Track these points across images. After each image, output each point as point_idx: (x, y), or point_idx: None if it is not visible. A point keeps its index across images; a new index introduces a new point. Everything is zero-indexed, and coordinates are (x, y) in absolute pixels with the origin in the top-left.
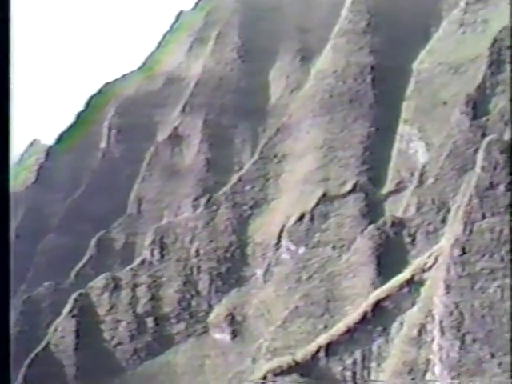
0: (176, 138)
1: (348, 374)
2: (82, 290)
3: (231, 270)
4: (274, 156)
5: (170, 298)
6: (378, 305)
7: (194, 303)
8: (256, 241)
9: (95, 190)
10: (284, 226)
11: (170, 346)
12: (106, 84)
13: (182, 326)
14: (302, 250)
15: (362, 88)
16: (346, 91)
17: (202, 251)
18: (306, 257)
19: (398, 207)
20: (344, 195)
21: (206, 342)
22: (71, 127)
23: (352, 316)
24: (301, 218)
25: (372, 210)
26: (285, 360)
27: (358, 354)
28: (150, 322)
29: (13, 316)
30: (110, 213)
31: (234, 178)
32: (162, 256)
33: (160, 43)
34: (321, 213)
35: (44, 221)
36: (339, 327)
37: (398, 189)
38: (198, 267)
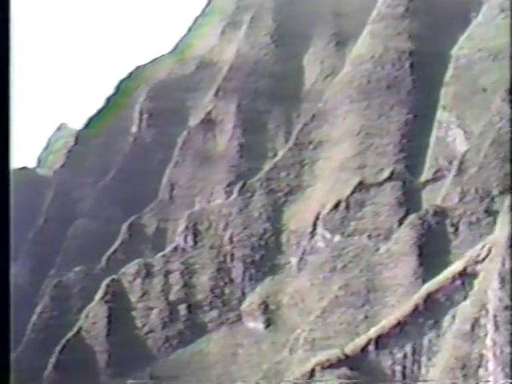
0: (209, 123)
1: (398, 368)
2: (113, 276)
3: (265, 257)
4: (309, 142)
5: (202, 285)
6: (429, 297)
7: (227, 291)
8: (290, 228)
9: (126, 175)
10: (319, 213)
11: (203, 334)
12: (137, 68)
13: (214, 313)
14: (337, 238)
15: (399, 74)
16: (383, 77)
17: (235, 238)
18: (342, 245)
19: (435, 196)
20: (380, 183)
21: (239, 330)
22: (101, 111)
23: (403, 308)
24: (336, 205)
25: (409, 199)
26: (333, 353)
27: (408, 348)
28: (182, 309)
29: (43, 301)
30: (141, 198)
31: (269, 165)
32: (195, 243)
33: (191, 27)
34: (357, 201)
35: (73, 205)
36: (390, 320)
37: (436, 177)
38: (232, 254)
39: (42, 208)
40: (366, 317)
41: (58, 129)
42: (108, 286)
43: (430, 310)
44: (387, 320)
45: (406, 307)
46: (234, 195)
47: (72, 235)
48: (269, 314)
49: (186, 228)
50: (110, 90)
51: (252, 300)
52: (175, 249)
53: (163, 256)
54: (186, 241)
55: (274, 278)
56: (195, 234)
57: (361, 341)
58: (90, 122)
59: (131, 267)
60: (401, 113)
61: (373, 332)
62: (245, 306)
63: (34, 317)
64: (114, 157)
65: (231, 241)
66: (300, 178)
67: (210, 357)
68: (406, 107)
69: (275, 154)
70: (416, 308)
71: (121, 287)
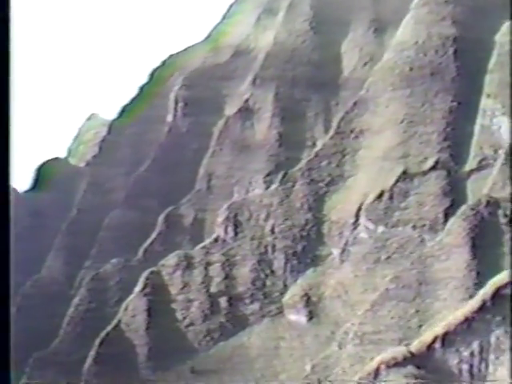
0: (246, 112)
1: (464, 367)
2: (153, 268)
3: (307, 248)
4: (350, 131)
5: (243, 277)
6: (497, 293)
7: (268, 283)
8: (332, 219)
9: (161, 165)
10: (362, 204)
11: (244, 327)
12: (170, 56)
13: (256, 306)
14: (380, 229)
15: (443, 60)
16: (427, 64)
17: (277, 229)
18: (385, 236)
19: (481, 186)
20: (425, 172)
21: (281, 323)
22: (134, 100)
23: (470, 304)
24: (380, 195)
25: (454, 189)
26: (399, 351)
27: (475, 346)
28: (223, 302)
29: (80, 294)
30: (177, 188)
31: (310, 154)
32: (236, 234)
33: (225, 15)
34: (400, 191)
35: (106, 196)
36: (456, 316)
37: (481, 166)
38: (273, 246)
39: (74, 199)
40: (418, 310)
41: (89, 119)
42: (147, 278)
43: (498, 306)
44: (453, 316)
45: (472, 303)
46: (275, 185)
47: (107, 226)
48: (311, 306)
49: (227, 219)
50: (143, 79)
51: (294, 292)
52: (215, 240)
53: (203, 247)
54: (226, 232)
55: (316, 269)
56: (236, 225)
57: (427, 338)
58: (123, 112)
59: (171, 259)
60: (445, 100)
61: (439, 329)
62: (286, 298)
63: (71, 309)
64: (147, 147)
65: (272, 232)
66: (341, 167)
67: (251, 350)
68: (449, 94)
69: (314, 143)
70: (483, 304)
71: (160, 279)
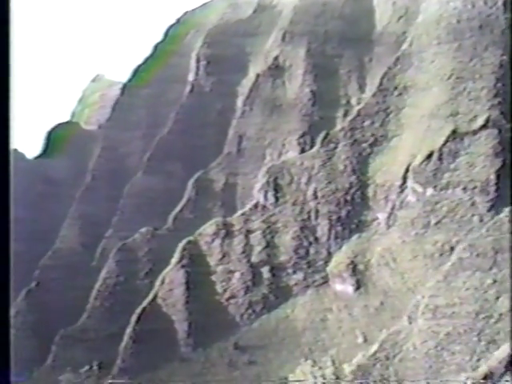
0: (276, 70)
1: None
2: (190, 238)
3: (351, 213)
4: (394, 88)
5: (286, 245)
6: None
7: (312, 251)
8: (377, 182)
9: (184, 127)
10: (409, 165)
11: (287, 298)
12: (185, 13)
13: (299, 276)
14: (429, 191)
15: (493, 12)
16: (475, 16)
17: (319, 193)
18: (435, 199)
19: None
20: (475, 131)
21: (326, 293)
22: (148, 60)
23: None
24: (428, 156)
25: (506, 148)
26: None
27: None
28: (265, 272)
29: (107, 266)
30: (202, 151)
31: (346, 113)
32: (277, 199)
33: None
34: (450, 151)
35: (121, 161)
36: None
37: None
38: (316, 211)
39: (88, 165)
40: (495, 281)
41: (93, 80)
42: (184, 248)
43: None
44: None
45: None
46: (316, 146)
47: (129, 193)
48: (358, 275)
49: (267, 183)
50: (153, 38)
51: (339, 260)
52: (255, 206)
53: (243, 214)
54: (266, 197)
55: (361, 235)
56: (276, 190)
57: None
58: (137, 72)
59: (208, 227)
60: (495, 54)
61: None
62: (331, 266)
63: (99, 283)
64: (165, 108)
65: (315, 196)
66: (385, 127)
67: (297, 323)
68: (500, 48)
69: (348, 102)
70: None
71: (198, 250)
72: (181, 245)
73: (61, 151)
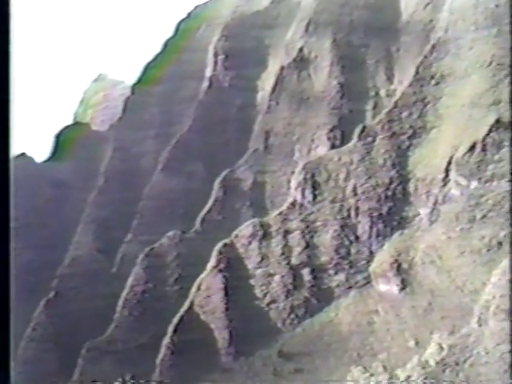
0: (301, 62)
1: None
2: (226, 240)
3: (392, 210)
4: (430, 77)
5: (326, 245)
6: None
7: (353, 250)
8: (418, 176)
9: (203, 124)
10: (451, 157)
11: (330, 301)
12: (196, 7)
13: (341, 277)
14: (473, 184)
15: None
16: None
17: (359, 190)
18: (479, 192)
19: None
20: None
21: (370, 295)
22: (158, 56)
23: None
24: (471, 148)
25: None
26: None
27: None
28: (306, 274)
29: (134, 272)
30: (224, 149)
31: (390, 104)
32: (315, 197)
33: None
34: (494, 141)
35: (135, 161)
36: None
37: None
38: (356, 208)
39: (99, 167)
40: None
41: (96, 80)
42: (220, 252)
43: None
44: None
45: None
46: (354, 140)
47: (148, 195)
48: (402, 274)
49: (304, 181)
50: (161, 35)
51: (381, 259)
52: (292, 205)
53: (280, 214)
54: (303, 195)
55: (403, 232)
56: (314, 187)
57: None
58: (147, 69)
59: (245, 229)
60: None
61: None
62: (374, 266)
63: (126, 291)
64: (178, 106)
65: (355, 193)
66: (423, 118)
67: (342, 327)
68: None
69: (377, 93)
70: None
71: (235, 252)
72: (216, 248)
73: (70, 154)
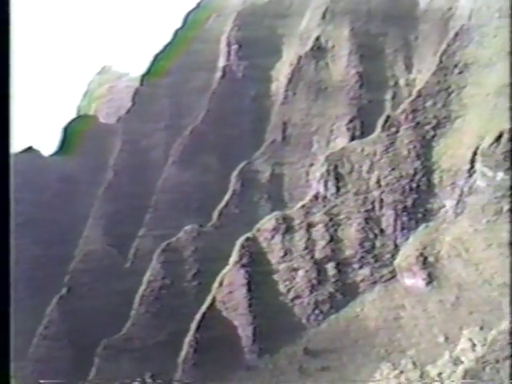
0: (319, 51)
1: None
2: (248, 235)
3: (417, 202)
4: (454, 66)
5: (350, 238)
6: None
7: (377, 244)
8: (443, 167)
9: (217, 116)
10: (477, 148)
11: (355, 296)
12: None
13: (366, 271)
14: (500, 175)
15: None
16: None
17: (383, 182)
18: (506, 183)
19: None
20: None
21: (396, 289)
22: (167, 47)
23: None
24: (497, 138)
25: None
26: None
27: None
28: (330, 268)
29: (151, 268)
30: (237, 141)
31: (413, 94)
32: (338, 189)
33: None
34: None
35: (144, 154)
36: None
37: None
38: (381, 201)
39: (108, 160)
40: None
41: (100, 72)
42: (243, 246)
43: None
44: None
45: None
46: (377, 131)
47: (162, 189)
48: (428, 268)
49: (327, 172)
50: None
51: (407, 253)
52: (315, 197)
53: (303, 207)
54: (326, 187)
55: (428, 225)
56: (337, 179)
57: None
58: (155, 61)
59: (267, 222)
60: None
61: None
62: (399, 260)
63: (143, 287)
64: (188, 97)
65: (379, 185)
66: (447, 107)
67: (368, 322)
68: None
69: (396, 83)
70: None
71: (258, 247)
72: (239, 242)
73: (78, 147)
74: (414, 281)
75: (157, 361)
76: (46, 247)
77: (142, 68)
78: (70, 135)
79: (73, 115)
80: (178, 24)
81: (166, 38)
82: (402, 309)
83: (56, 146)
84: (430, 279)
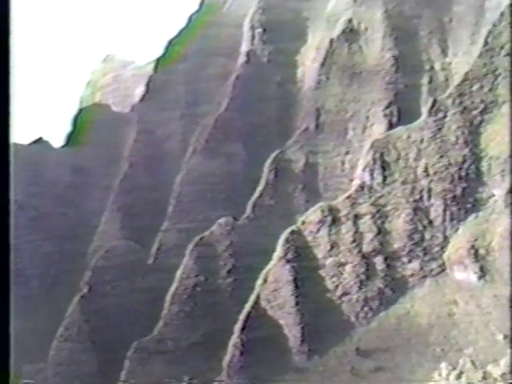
0: (351, 34)
1: None
2: (293, 227)
3: (466, 191)
4: (500, 48)
5: (398, 230)
6: None
7: (426, 236)
8: (491, 154)
9: (242, 102)
10: None
11: (404, 291)
12: None
13: (415, 265)
14: None
15: None
16: None
17: (431, 170)
18: None
19: None
20: None
21: (446, 283)
22: (182, 32)
23: None
24: None
25: None
26: None
27: None
28: (378, 262)
29: (183, 264)
30: (263, 129)
31: (458, 77)
32: (384, 178)
33: None
34: None
35: (160, 144)
36: None
37: None
38: (429, 190)
39: (121, 151)
40: None
41: (104, 61)
42: (288, 240)
43: None
44: None
45: None
46: (424, 116)
47: (186, 180)
48: (480, 261)
49: (373, 161)
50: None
51: (457, 245)
52: (361, 187)
53: (348, 197)
54: (372, 177)
55: (478, 215)
56: (383, 168)
57: None
58: (170, 46)
59: (312, 214)
60: None
61: None
62: (449, 253)
63: (175, 285)
64: (205, 84)
65: (426, 173)
66: (494, 91)
67: (420, 319)
68: None
69: (432, 67)
70: None
71: (303, 241)
72: (283, 236)
73: (89, 137)
74: (466, 274)
75: (192, 363)
76: (59, 243)
77: (148, 56)
78: (81, 125)
79: (75, 105)
80: (184, 9)
81: (174, 23)
82: (455, 304)
83: (64, 136)
84: (483, 273)
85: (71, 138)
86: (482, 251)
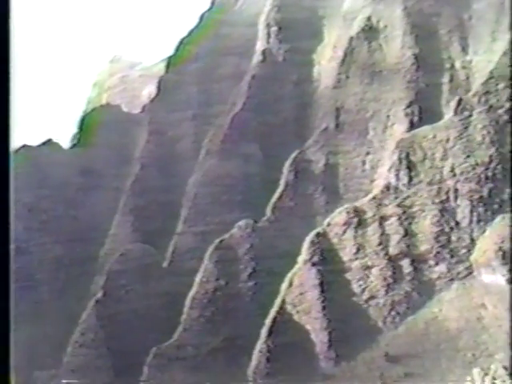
0: (371, 31)
1: None
2: (318, 230)
3: (493, 192)
4: None
5: (425, 232)
6: None
7: (453, 238)
8: None
9: (258, 102)
10: None
11: (431, 295)
12: None
13: (442, 268)
14: None
15: None
16: None
17: (457, 170)
18: None
19: None
20: None
21: (474, 287)
22: (193, 31)
23: None
24: None
25: None
26: None
27: None
28: (405, 265)
29: (203, 268)
30: (279, 129)
31: (483, 75)
32: (410, 179)
33: None
34: None
35: (172, 145)
36: None
37: None
38: (455, 191)
39: (133, 152)
40: None
41: (111, 61)
42: (313, 242)
43: None
44: None
45: None
46: (450, 115)
47: (201, 181)
48: (508, 263)
49: (398, 161)
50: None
51: (484, 247)
52: (387, 188)
53: (374, 198)
54: (398, 177)
55: (505, 216)
56: (409, 169)
57: None
58: (181, 45)
59: (337, 216)
60: None
61: None
62: (476, 255)
63: (194, 289)
64: (217, 84)
65: (453, 173)
66: None
67: (449, 324)
68: None
69: (453, 65)
70: None
71: (328, 243)
72: (308, 239)
73: (99, 139)
74: (494, 277)
75: (212, 369)
76: (69, 246)
77: (156, 56)
78: (90, 126)
79: (82, 106)
80: (195, 7)
81: (185, 22)
82: (483, 308)
83: (74, 137)
84: (511, 275)
85: (81, 140)
86: (509, 253)
